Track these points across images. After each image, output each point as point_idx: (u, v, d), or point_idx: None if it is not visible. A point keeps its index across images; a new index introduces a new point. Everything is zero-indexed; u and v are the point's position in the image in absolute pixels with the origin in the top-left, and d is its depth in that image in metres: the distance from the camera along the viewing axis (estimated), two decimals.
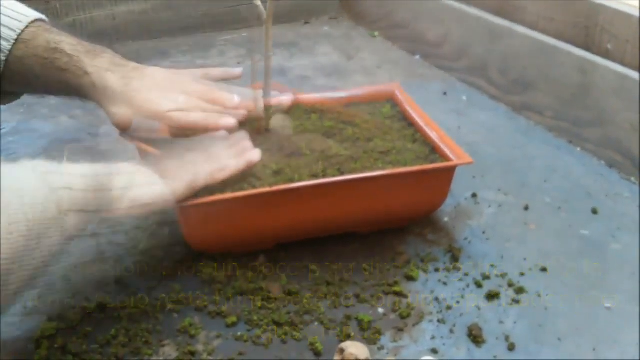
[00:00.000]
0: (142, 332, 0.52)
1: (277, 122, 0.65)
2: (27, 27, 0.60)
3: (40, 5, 1.05)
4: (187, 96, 0.62)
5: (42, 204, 0.42)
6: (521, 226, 0.66)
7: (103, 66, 0.60)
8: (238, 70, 0.71)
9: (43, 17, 0.63)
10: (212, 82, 0.67)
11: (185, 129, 0.60)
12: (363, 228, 0.62)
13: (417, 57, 1.06)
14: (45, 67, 0.59)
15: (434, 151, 0.63)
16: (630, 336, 0.53)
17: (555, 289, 0.58)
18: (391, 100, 0.73)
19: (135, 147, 0.63)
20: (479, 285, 0.58)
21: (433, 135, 0.65)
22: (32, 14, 0.61)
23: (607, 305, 0.56)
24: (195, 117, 0.61)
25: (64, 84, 0.60)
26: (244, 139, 0.61)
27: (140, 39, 1.12)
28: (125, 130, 0.61)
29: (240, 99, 0.65)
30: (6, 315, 0.54)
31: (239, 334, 0.52)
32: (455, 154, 0.61)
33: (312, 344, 0.51)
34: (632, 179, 0.73)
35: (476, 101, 0.92)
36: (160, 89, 0.61)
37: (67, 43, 0.60)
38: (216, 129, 0.60)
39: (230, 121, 0.61)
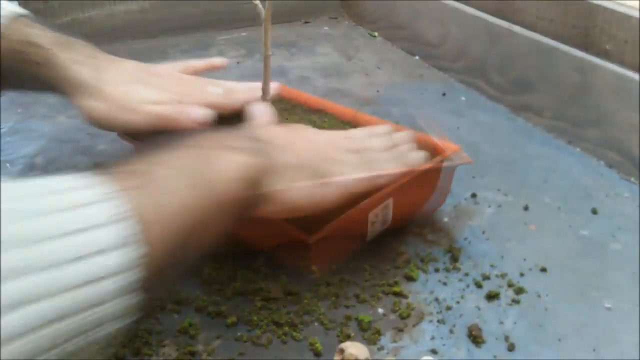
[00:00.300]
0: (141, 332, 0.52)
1: (258, 110, 0.61)
2: (9, 22, 0.58)
3: (39, 5, 1.05)
4: (163, 89, 0.60)
5: None
6: (521, 226, 0.66)
7: (77, 58, 0.59)
8: (221, 60, 0.69)
9: (27, 12, 0.61)
10: (193, 75, 0.66)
11: (159, 122, 0.59)
12: None
13: (417, 57, 1.07)
14: (22, 61, 0.58)
15: (434, 152, 0.63)
16: (631, 336, 0.53)
17: (555, 289, 0.58)
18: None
19: (133, 146, 0.63)
20: (478, 285, 0.58)
21: (433, 135, 0.65)
22: (16, 10, 0.60)
23: (607, 305, 0.56)
24: (167, 109, 0.59)
25: (39, 78, 0.59)
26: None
27: (139, 38, 1.12)
28: (98, 125, 0.60)
29: (222, 90, 0.63)
30: None
31: (239, 334, 0.52)
32: (454, 154, 0.61)
33: (312, 344, 0.51)
34: (632, 178, 0.73)
35: (475, 102, 0.92)
36: (135, 81, 0.60)
37: (45, 37, 0.59)
38: (187, 121, 0.59)
39: (201, 113, 0.59)
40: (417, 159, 0.58)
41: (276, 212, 0.49)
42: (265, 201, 0.47)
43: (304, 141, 0.54)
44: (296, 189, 0.49)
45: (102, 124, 0.60)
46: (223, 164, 0.42)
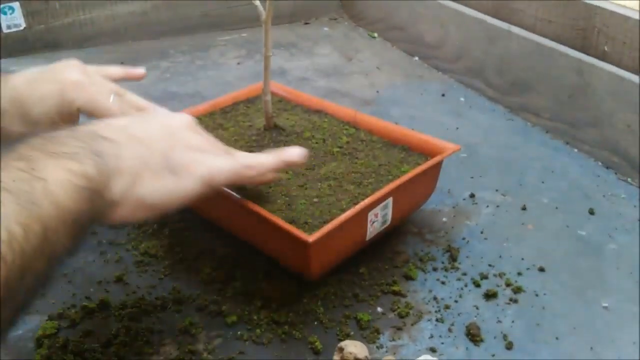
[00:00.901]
0: (142, 331, 0.52)
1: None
2: None
3: (40, 5, 1.05)
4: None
5: None
6: (519, 226, 0.66)
7: None
8: (141, 70, 0.66)
9: None
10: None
11: None
12: None
13: (416, 58, 1.07)
14: None
15: (409, 150, 0.64)
16: (628, 335, 0.53)
17: (553, 288, 0.58)
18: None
19: None
20: (477, 284, 0.58)
21: (405, 134, 0.65)
22: None
23: (605, 304, 0.56)
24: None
25: None
26: None
27: (140, 39, 1.13)
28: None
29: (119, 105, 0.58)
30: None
31: (239, 333, 0.53)
32: (440, 145, 0.62)
33: (311, 343, 0.51)
34: (629, 179, 0.73)
35: (474, 102, 0.92)
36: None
37: None
38: None
39: None
40: (294, 152, 0.52)
41: (133, 215, 0.44)
42: (117, 206, 0.42)
43: (152, 127, 0.47)
44: (150, 188, 0.44)
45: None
46: (52, 176, 0.37)
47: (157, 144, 0.45)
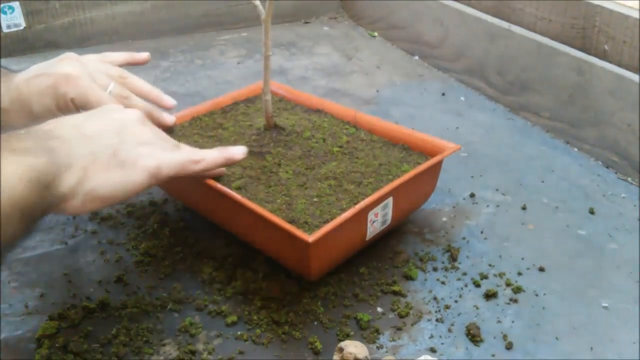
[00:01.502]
0: (142, 331, 0.53)
1: None
2: None
3: (40, 5, 1.05)
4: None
5: None
6: (519, 226, 0.66)
7: None
8: (144, 55, 0.67)
9: None
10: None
11: None
12: None
13: (416, 57, 1.07)
14: None
15: (410, 150, 0.64)
16: (628, 335, 0.53)
17: (553, 288, 0.58)
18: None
19: None
20: (477, 284, 0.58)
21: (405, 134, 0.65)
22: None
23: (605, 304, 0.56)
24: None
25: None
26: None
27: (139, 38, 1.13)
28: None
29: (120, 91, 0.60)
30: (7, 315, 0.55)
31: (239, 333, 0.53)
32: (440, 144, 0.62)
33: (311, 343, 0.51)
34: (629, 179, 0.73)
35: (474, 102, 0.92)
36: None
37: None
38: None
39: None
40: (235, 151, 0.56)
41: (85, 207, 0.46)
42: (68, 199, 0.45)
43: (104, 123, 0.50)
44: (100, 181, 0.47)
45: None
46: (9, 168, 0.41)
47: (107, 140, 0.48)
